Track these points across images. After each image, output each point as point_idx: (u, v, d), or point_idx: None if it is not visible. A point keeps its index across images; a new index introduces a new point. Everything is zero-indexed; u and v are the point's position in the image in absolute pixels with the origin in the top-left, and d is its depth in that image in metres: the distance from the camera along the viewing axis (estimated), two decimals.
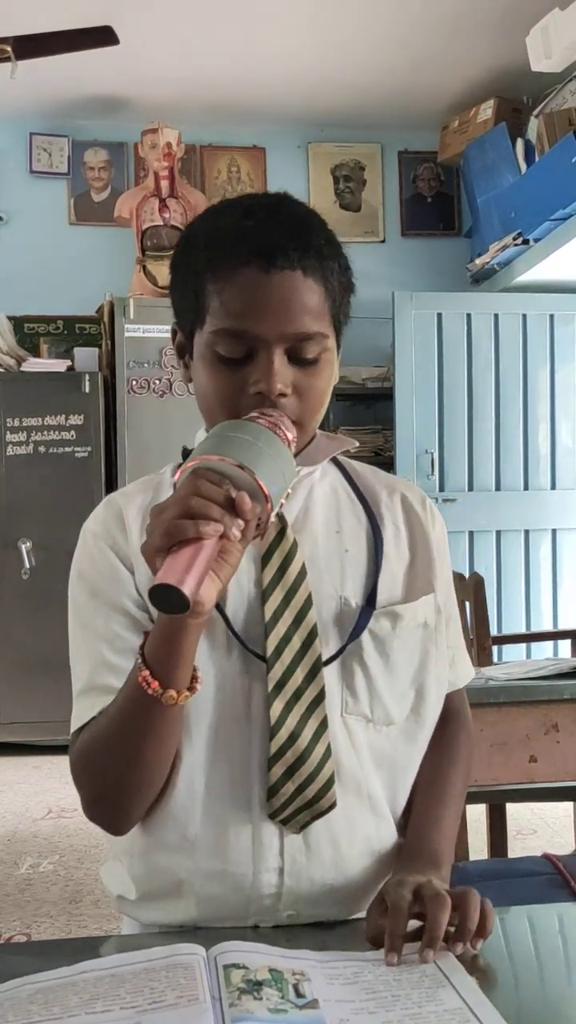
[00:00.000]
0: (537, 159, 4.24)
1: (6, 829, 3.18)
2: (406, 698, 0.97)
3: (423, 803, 0.98)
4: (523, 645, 4.31)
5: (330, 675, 0.92)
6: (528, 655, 4.22)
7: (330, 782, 0.90)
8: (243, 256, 0.88)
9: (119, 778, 0.88)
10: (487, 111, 4.64)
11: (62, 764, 3.99)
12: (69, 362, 4.40)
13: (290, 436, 0.84)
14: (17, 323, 4.61)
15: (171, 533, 0.74)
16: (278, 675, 0.90)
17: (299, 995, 0.69)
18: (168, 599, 0.72)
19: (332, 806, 0.90)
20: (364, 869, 0.93)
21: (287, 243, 0.88)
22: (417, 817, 0.97)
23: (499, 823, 2.04)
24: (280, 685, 0.90)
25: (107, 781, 0.89)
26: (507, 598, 4.60)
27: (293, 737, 0.89)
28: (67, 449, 4.24)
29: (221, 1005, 0.67)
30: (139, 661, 0.83)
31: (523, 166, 4.42)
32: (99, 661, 0.92)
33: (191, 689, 0.83)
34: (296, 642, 0.91)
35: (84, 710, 0.92)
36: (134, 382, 4.31)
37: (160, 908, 0.93)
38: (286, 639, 0.90)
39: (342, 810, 0.91)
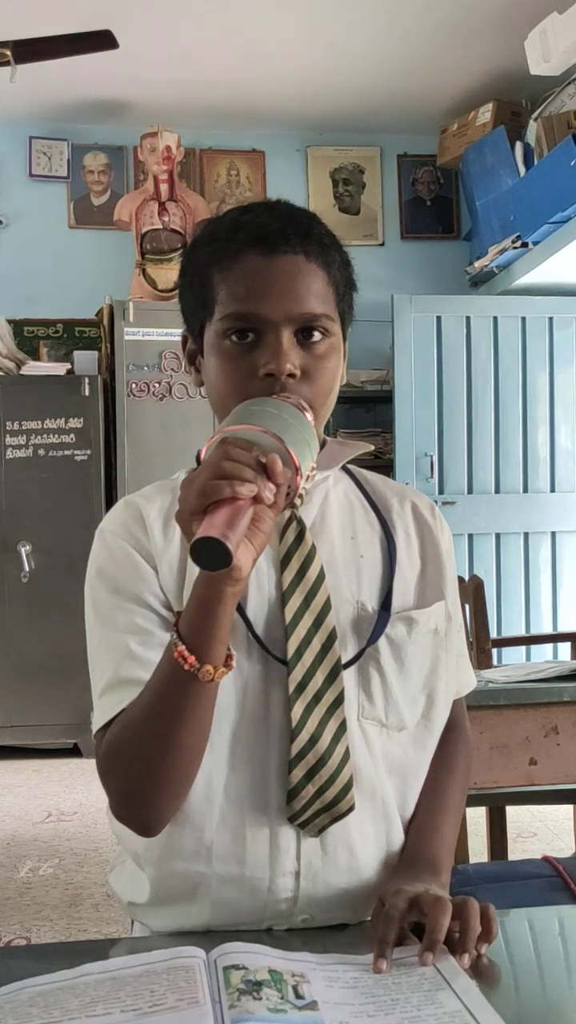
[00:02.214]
0: (536, 162, 4.25)
1: (6, 832, 3.18)
2: (417, 703, 0.98)
3: (423, 811, 0.98)
4: (523, 647, 4.31)
5: (348, 679, 0.92)
6: (528, 657, 4.21)
7: (349, 784, 0.90)
8: (245, 244, 0.90)
9: (153, 767, 0.85)
10: (486, 114, 4.64)
11: (62, 768, 3.98)
12: (69, 365, 4.40)
13: (309, 417, 0.84)
14: (17, 326, 4.61)
15: (206, 493, 0.73)
16: (299, 677, 0.89)
17: (298, 996, 0.69)
18: (211, 554, 0.70)
19: (351, 809, 0.90)
20: (377, 873, 0.93)
21: (287, 229, 0.91)
22: (416, 824, 0.97)
23: (499, 826, 2.03)
24: (301, 687, 0.89)
25: (141, 771, 0.86)
26: (507, 600, 4.60)
27: (314, 739, 0.89)
28: (67, 452, 4.24)
29: (221, 1007, 0.67)
30: (174, 637, 0.81)
31: (522, 169, 4.43)
32: (125, 655, 0.89)
33: (227, 666, 0.82)
34: (316, 645, 0.91)
35: (110, 706, 0.89)
36: (134, 385, 4.32)
37: (174, 912, 0.92)
38: (306, 642, 0.90)
39: (356, 814, 0.91)
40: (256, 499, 0.74)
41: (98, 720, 0.91)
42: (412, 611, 0.97)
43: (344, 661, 0.92)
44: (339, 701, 0.90)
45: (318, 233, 0.93)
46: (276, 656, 0.90)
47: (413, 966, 0.75)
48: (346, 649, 0.93)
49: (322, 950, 0.79)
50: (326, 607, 0.92)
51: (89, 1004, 0.68)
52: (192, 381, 1.01)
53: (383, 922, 0.79)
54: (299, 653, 0.90)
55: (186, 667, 0.80)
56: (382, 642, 0.94)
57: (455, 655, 1.04)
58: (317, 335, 0.91)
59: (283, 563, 0.92)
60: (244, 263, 0.90)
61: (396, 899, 0.81)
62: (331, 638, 0.91)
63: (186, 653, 0.80)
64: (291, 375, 0.89)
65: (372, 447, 1.08)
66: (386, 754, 0.95)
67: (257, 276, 0.90)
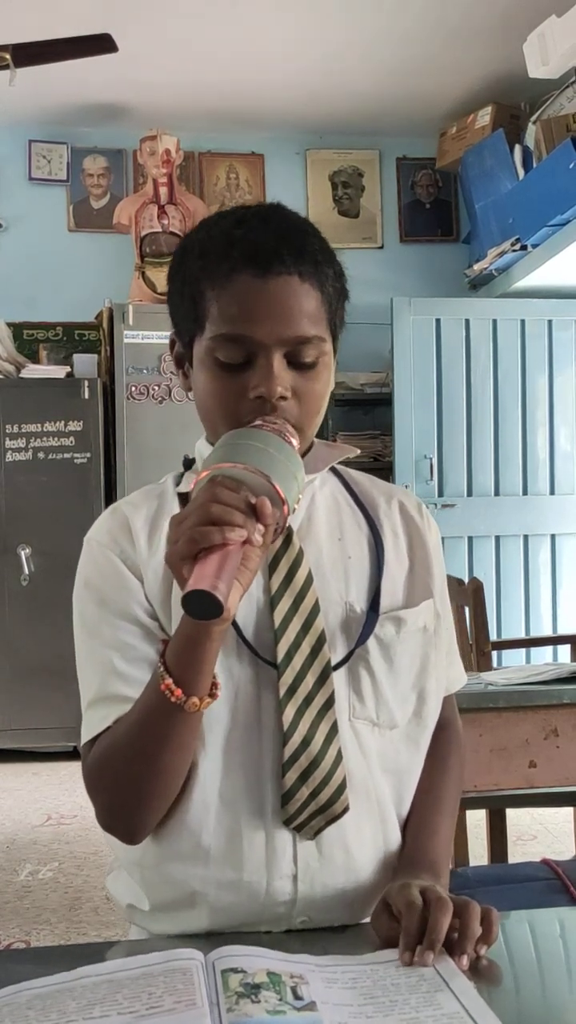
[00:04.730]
0: (535, 165, 4.25)
1: (5, 836, 3.18)
2: (408, 702, 0.98)
3: (418, 812, 0.98)
4: (522, 650, 4.30)
5: (338, 680, 0.92)
6: (527, 660, 4.20)
7: (342, 786, 0.90)
8: (238, 262, 0.89)
9: (139, 787, 0.87)
10: (485, 117, 4.65)
11: (61, 771, 3.98)
12: (68, 368, 4.41)
13: (295, 442, 0.85)
14: (16, 329, 4.61)
15: (196, 540, 0.75)
16: (289, 681, 0.90)
17: (297, 997, 0.69)
18: (201, 605, 0.72)
19: (345, 810, 0.90)
20: (374, 872, 0.93)
21: (281, 248, 0.89)
22: (414, 826, 0.97)
23: (499, 828, 2.03)
24: (292, 691, 0.90)
25: (126, 790, 0.88)
26: (506, 603, 4.60)
27: (306, 742, 0.89)
28: (66, 455, 4.25)
29: (219, 1010, 0.67)
30: (160, 670, 0.83)
31: (521, 172, 4.43)
32: (109, 671, 0.91)
33: (212, 695, 0.84)
34: (305, 648, 0.91)
35: (96, 721, 0.91)
36: (133, 388, 4.32)
37: (172, 918, 0.92)
38: (296, 645, 0.91)
39: (352, 815, 0.91)
40: (245, 541, 0.75)
41: (85, 734, 0.93)
42: (400, 611, 0.97)
43: (334, 663, 0.92)
44: (330, 703, 0.91)
45: (312, 249, 0.92)
46: (266, 660, 0.91)
47: (412, 966, 0.74)
48: (335, 651, 0.93)
49: (321, 951, 0.79)
50: (315, 610, 0.92)
51: (87, 1007, 0.68)
52: (181, 385, 1.00)
53: (407, 912, 0.79)
54: (289, 656, 0.90)
55: (172, 700, 0.82)
56: (371, 642, 0.94)
57: (445, 652, 1.04)
58: (308, 357, 0.91)
59: (271, 567, 0.93)
60: (237, 283, 0.89)
61: (410, 891, 0.81)
62: (320, 640, 0.91)
63: (173, 686, 0.82)
64: (282, 397, 0.89)
65: (359, 451, 1.08)
66: (379, 753, 0.95)
67: (249, 297, 0.89)
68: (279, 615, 0.91)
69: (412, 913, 0.78)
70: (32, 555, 4.19)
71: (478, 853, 2.16)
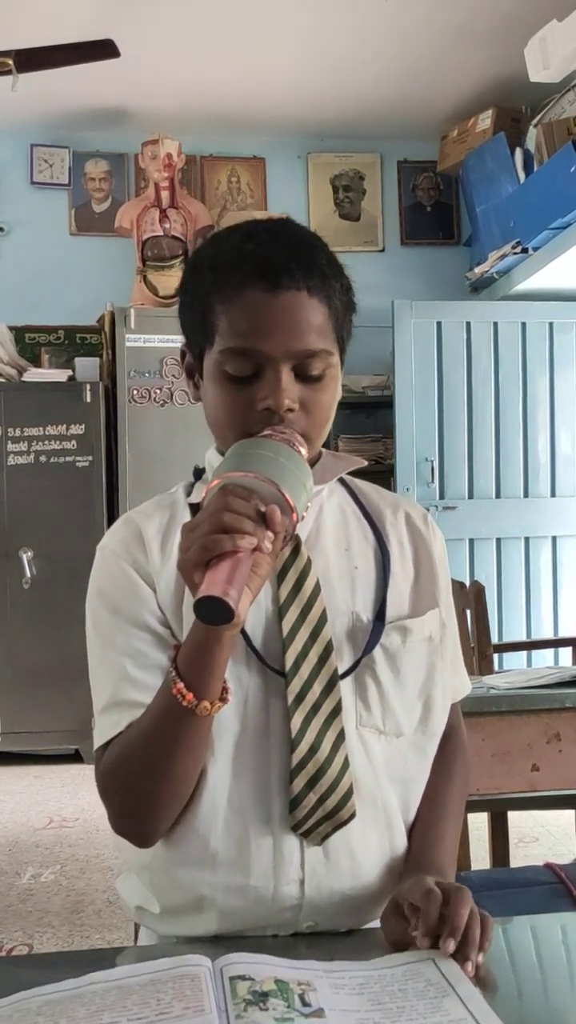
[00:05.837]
0: (536, 168, 4.26)
1: (7, 839, 3.18)
2: (414, 710, 0.99)
3: (424, 819, 1.00)
4: (524, 653, 4.31)
5: (345, 689, 0.94)
6: (529, 663, 4.21)
7: (349, 792, 0.92)
8: (248, 276, 0.91)
9: (151, 790, 0.89)
10: (486, 121, 4.66)
11: (63, 774, 3.98)
12: (70, 372, 4.41)
13: (303, 452, 0.86)
14: (18, 333, 4.62)
15: (208, 548, 0.76)
16: (297, 689, 0.92)
17: (305, 1004, 0.69)
18: (213, 611, 0.74)
19: (352, 816, 0.92)
20: (379, 878, 0.95)
21: (291, 263, 0.91)
22: (419, 833, 0.99)
23: (501, 832, 2.04)
24: (299, 699, 0.91)
25: (139, 794, 0.90)
26: (507, 606, 4.60)
27: (313, 749, 0.91)
28: (68, 459, 4.25)
29: (228, 1016, 0.67)
30: (172, 674, 0.84)
31: (522, 175, 4.44)
32: (122, 676, 0.93)
33: (223, 699, 0.85)
34: (313, 657, 0.93)
35: (108, 726, 0.93)
36: (135, 392, 4.32)
37: (181, 922, 0.94)
38: (303, 654, 0.92)
39: (358, 821, 0.92)
40: (256, 548, 0.77)
41: (98, 739, 0.94)
42: (406, 620, 0.98)
43: (341, 671, 0.94)
44: (337, 711, 0.92)
45: (321, 264, 0.93)
46: (274, 668, 0.92)
47: (419, 972, 0.75)
48: (342, 659, 0.95)
49: (327, 956, 0.80)
50: (322, 619, 0.94)
51: (96, 1013, 0.69)
52: (191, 395, 1.02)
53: (426, 901, 0.80)
54: (297, 665, 0.92)
55: (184, 703, 0.83)
56: (377, 652, 0.96)
57: (450, 661, 1.05)
58: (315, 370, 0.92)
59: (279, 577, 0.94)
60: (246, 297, 0.91)
61: (425, 882, 0.83)
62: (328, 649, 0.93)
63: (184, 690, 0.83)
64: (289, 409, 0.91)
65: (366, 462, 1.10)
66: (386, 761, 0.96)
67: (259, 312, 0.90)
68: (287, 624, 0.93)
69: (432, 901, 0.80)
70: (34, 559, 4.19)
71: (479, 856, 2.16)
